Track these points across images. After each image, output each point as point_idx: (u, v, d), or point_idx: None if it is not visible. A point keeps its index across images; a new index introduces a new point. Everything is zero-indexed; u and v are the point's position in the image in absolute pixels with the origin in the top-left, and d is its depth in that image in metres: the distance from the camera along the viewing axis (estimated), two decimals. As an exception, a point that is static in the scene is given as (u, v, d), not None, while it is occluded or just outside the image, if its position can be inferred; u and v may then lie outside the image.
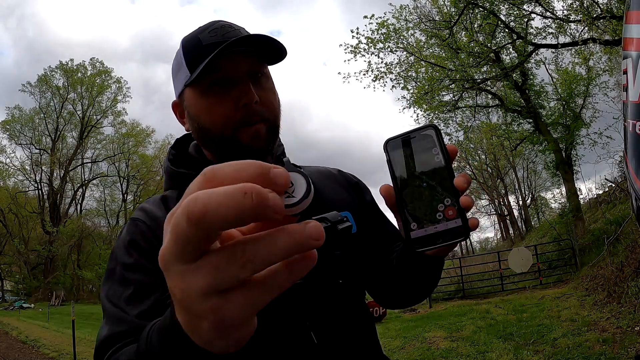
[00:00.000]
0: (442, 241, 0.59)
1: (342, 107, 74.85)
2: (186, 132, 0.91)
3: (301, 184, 0.31)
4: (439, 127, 0.60)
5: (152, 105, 57.52)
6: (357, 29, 13.17)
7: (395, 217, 0.65)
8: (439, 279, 0.85)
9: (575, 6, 10.68)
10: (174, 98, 0.89)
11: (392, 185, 0.62)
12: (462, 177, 0.59)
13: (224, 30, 0.80)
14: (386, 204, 0.65)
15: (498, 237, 33.09)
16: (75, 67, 34.31)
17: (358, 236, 0.85)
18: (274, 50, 0.81)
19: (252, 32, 0.83)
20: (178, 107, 0.89)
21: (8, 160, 33.46)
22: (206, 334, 0.31)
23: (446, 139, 13.66)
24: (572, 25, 11.13)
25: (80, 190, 36.13)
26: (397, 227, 0.99)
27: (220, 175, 0.28)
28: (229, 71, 0.78)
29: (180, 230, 0.27)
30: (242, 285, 0.29)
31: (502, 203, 30.51)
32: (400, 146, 0.62)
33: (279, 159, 0.88)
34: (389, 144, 0.62)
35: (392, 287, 0.89)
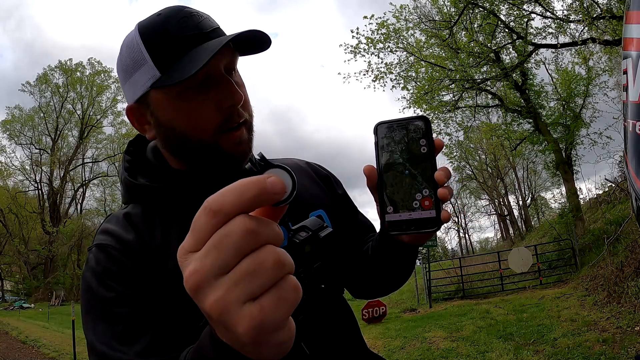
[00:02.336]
0: (414, 229, 0.60)
1: (340, 108, 75.03)
2: (140, 135, 0.80)
3: (286, 177, 0.38)
4: (433, 131, 0.61)
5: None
6: (357, 29, 13.19)
7: (374, 197, 0.67)
8: (413, 268, 0.85)
9: (575, 6, 10.68)
10: None
11: (375, 166, 0.64)
12: (442, 171, 0.59)
13: (194, 20, 0.69)
14: (367, 183, 0.65)
15: (498, 237, 33.11)
16: (74, 67, 34.33)
17: (333, 232, 0.84)
18: (254, 42, 0.72)
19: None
20: (135, 113, 0.74)
21: (8, 160, 33.51)
22: (250, 345, 0.33)
23: (446, 139, 13.76)
24: (572, 25, 11.13)
25: (81, 190, 36.17)
26: (368, 218, 1.00)
27: (226, 207, 0.32)
28: (208, 68, 0.68)
29: (223, 248, 0.32)
30: (269, 288, 0.32)
31: (502, 203, 30.52)
32: (390, 131, 0.63)
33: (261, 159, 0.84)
34: (379, 127, 0.63)
35: (367, 277, 0.88)
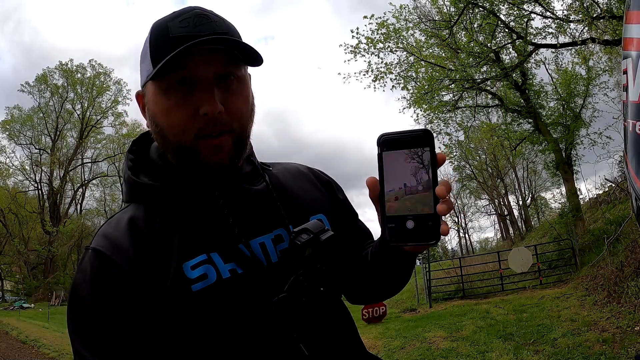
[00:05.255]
0: (414, 241, 0.63)
1: (337, 110, 75.04)
2: (145, 131, 0.83)
3: None
4: (433, 131, 0.62)
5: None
6: (357, 29, 13.17)
7: (376, 209, 0.68)
8: (410, 275, 0.87)
9: (575, 6, 10.68)
10: None
11: (377, 178, 0.65)
12: (443, 186, 0.60)
13: (197, 21, 0.69)
14: (370, 195, 0.66)
15: (498, 237, 33.10)
16: (74, 68, 34.34)
17: (334, 235, 0.83)
18: (251, 52, 0.71)
19: (244, 36, 0.75)
20: (140, 100, 0.78)
21: (8, 160, 33.49)
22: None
23: (446, 139, 13.76)
24: (572, 25, 11.13)
25: (80, 190, 36.16)
26: (365, 222, 1.02)
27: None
28: (193, 70, 0.68)
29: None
30: None
31: (502, 203, 30.50)
32: (393, 143, 0.64)
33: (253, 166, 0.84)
34: (383, 140, 0.64)
35: (365, 283, 0.89)
